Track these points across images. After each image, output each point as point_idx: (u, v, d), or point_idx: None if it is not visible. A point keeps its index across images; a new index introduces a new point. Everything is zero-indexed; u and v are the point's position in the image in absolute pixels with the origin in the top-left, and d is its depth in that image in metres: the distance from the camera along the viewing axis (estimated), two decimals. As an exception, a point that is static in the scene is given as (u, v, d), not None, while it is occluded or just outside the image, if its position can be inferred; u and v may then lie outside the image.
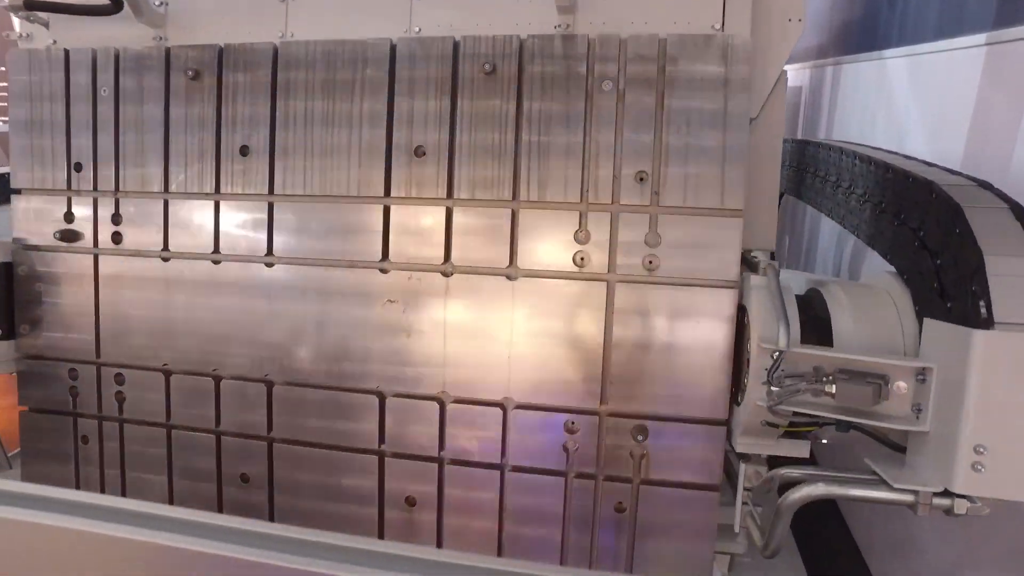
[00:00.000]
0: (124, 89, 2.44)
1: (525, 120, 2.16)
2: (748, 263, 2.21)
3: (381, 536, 2.34)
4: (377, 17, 2.32)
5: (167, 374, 2.48)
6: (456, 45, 2.20)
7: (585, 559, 2.22)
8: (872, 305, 1.92)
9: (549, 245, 2.17)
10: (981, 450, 1.47)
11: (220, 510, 2.47)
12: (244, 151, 2.36)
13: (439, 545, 2.30)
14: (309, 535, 1.54)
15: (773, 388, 1.77)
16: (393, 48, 2.24)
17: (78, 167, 2.50)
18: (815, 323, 1.99)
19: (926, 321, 1.69)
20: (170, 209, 2.44)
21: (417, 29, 2.30)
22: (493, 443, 2.24)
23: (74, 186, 2.52)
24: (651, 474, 2.15)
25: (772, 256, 2.47)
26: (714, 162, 2.05)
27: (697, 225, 2.08)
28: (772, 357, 1.81)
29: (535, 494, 2.23)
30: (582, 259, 2.15)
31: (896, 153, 2.46)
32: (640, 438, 2.14)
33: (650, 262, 2.11)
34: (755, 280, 1.99)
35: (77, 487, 2.60)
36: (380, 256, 2.27)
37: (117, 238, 2.48)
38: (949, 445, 1.53)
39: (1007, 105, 2.51)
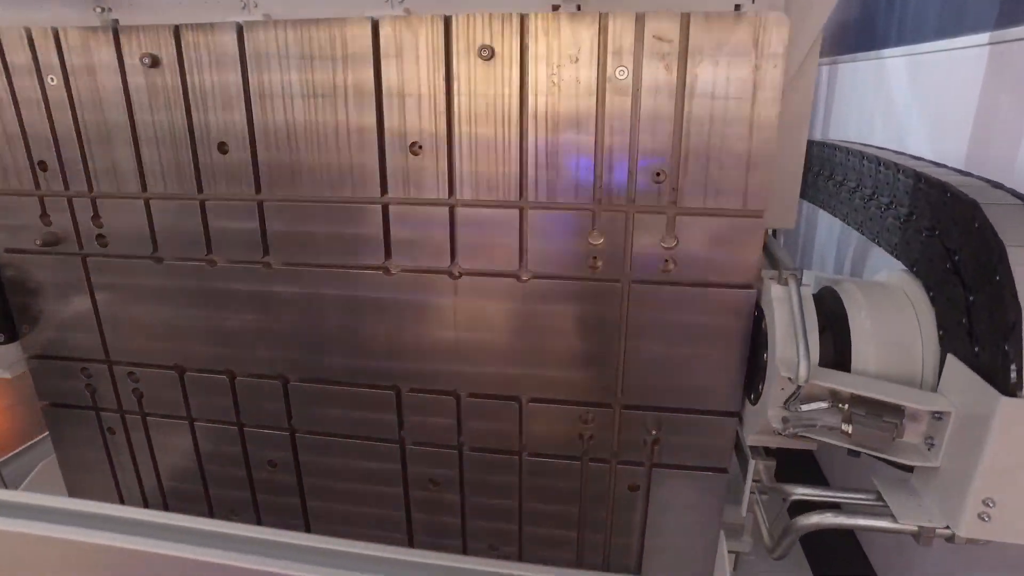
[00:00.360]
0: (74, 78, 2.16)
1: (530, 111, 1.95)
2: (768, 253, 2.13)
3: (408, 513, 2.50)
4: None
5: (180, 372, 2.48)
6: (448, 24, 1.92)
7: (601, 531, 2.39)
8: (891, 318, 1.87)
9: (560, 247, 2.07)
10: (990, 503, 1.52)
11: (252, 492, 2.61)
12: (223, 148, 2.15)
13: (463, 520, 2.47)
14: (310, 540, 1.63)
15: (788, 416, 1.79)
16: (376, 26, 1.96)
17: (42, 165, 2.30)
18: (831, 321, 1.96)
19: (949, 358, 1.66)
20: (153, 211, 2.28)
21: (401, 0, 1.99)
22: (510, 433, 2.31)
23: (42, 186, 2.33)
24: (663, 458, 2.25)
25: (775, 234, 2.38)
26: (738, 161, 1.89)
27: (717, 227, 1.97)
28: (790, 380, 1.81)
29: (552, 476, 2.35)
30: (595, 259, 2.06)
31: (922, 159, 2.30)
32: (654, 431, 2.20)
33: (665, 261, 2.03)
34: (776, 291, 1.92)
35: (113, 474, 2.72)
36: (383, 258, 2.17)
37: (102, 240, 2.35)
38: (958, 489, 1.58)
39: (1010, 105, 2.37)
